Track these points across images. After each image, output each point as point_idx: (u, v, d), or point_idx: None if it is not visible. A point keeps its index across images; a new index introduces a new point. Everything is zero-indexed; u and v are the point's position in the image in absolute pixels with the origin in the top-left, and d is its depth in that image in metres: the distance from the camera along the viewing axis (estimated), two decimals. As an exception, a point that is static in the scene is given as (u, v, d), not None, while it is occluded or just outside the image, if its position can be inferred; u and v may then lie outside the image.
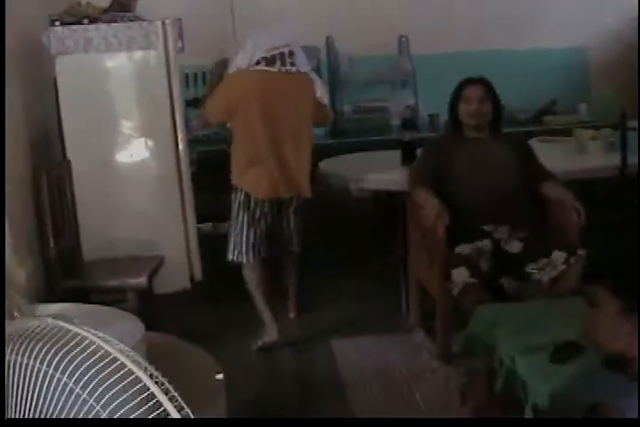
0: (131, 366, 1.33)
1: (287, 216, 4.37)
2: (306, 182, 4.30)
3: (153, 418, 1.34)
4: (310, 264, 4.84)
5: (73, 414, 1.36)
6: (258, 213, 4.22)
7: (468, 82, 4.12)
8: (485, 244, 3.86)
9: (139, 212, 4.37)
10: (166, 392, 1.35)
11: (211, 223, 5.49)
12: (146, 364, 1.39)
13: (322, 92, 4.53)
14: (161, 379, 1.38)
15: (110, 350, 1.37)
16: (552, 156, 4.71)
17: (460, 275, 3.68)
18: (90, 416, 1.35)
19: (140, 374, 1.33)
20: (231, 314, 4.66)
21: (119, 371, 1.36)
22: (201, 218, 4.92)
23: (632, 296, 1.73)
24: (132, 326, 2.53)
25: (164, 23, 4.32)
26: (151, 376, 1.37)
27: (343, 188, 4.79)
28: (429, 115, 6.09)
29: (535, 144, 4.78)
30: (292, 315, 4.67)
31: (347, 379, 3.82)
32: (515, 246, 3.89)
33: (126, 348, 1.41)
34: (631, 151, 4.65)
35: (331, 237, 5.43)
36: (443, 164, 4.06)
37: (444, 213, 3.77)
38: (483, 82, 4.11)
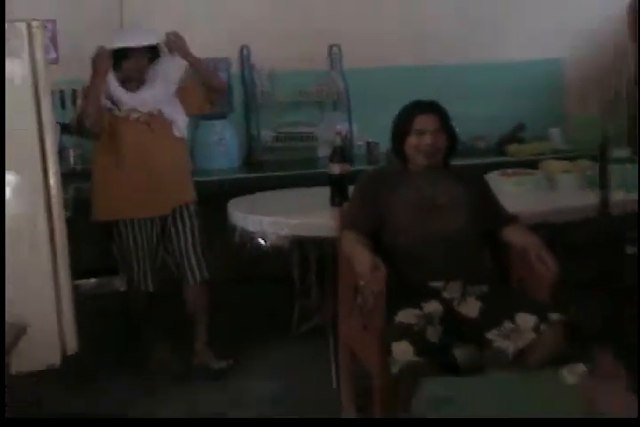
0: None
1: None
2: None
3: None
4: (222, 326, 4.97)
5: None
6: None
7: (419, 110, 4.07)
8: (435, 307, 3.81)
9: (-6, 267, 4.24)
10: None
11: (93, 279, 5.37)
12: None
13: None
14: None
15: None
16: (516, 193, 4.84)
17: (402, 351, 3.61)
18: None
19: None
20: (114, 397, 4.61)
21: None
22: (81, 273, 4.83)
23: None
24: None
25: (29, 25, 4.20)
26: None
27: (258, 233, 4.72)
28: (367, 143, 6.08)
29: (495, 179, 4.83)
30: None
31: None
32: (471, 308, 3.86)
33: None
34: (614, 187, 4.66)
35: (244, 294, 5.37)
36: (381, 205, 4.02)
37: (381, 265, 3.72)
38: (435, 109, 4.08)
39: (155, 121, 4.76)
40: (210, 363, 4.92)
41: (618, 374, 1.77)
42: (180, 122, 4.85)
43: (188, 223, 4.85)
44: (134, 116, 4.73)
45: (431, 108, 4.08)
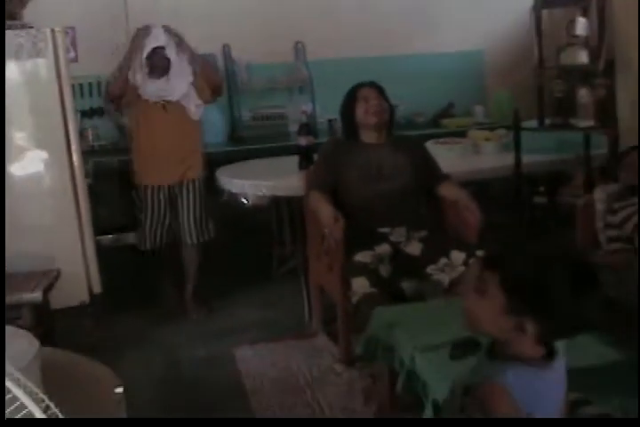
0: (7, 383, 1.29)
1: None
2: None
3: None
4: (210, 272, 4.89)
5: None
6: None
7: (360, 86, 4.15)
8: (385, 249, 3.87)
9: (33, 225, 4.25)
10: (46, 410, 1.32)
11: (111, 235, 5.39)
12: (26, 381, 1.35)
13: None
14: (41, 396, 1.34)
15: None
16: (448, 157, 4.79)
17: (360, 284, 3.67)
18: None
19: (17, 391, 1.29)
20: (132, 326, 4.64)
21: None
22: (101, 230, 4.86)
23: (516, 297, 1.70)
24: (26, 343, 2.45)
25: (53, 31, 4.21)
26: (31, 394, 1.33)
27: (242, 195, 4.77)
28: (328, 120, 6.11)
29: (432, 146, 4.84)
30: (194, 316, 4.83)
31: (251, 387, 3.80)
32: (415, 248, 3.92)
33: (6, 364, 1.37)
34: (524, 151, 4.76)
35: (231, 244, 5.40)
36: (338, 167, 4.07)
37: (340, 217, 3.77)
38: (374, 85, 4.15)
39: (171, 106, 4.64)
40: (190, 311, 4.85)
41: (497, 297, 1.73)
42: (193, 108, 4.70)
43: (191, 196, 4.73)
44: (153, 100, 4.62)
45: (369, 83, 4.15)
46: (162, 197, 4.75)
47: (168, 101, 4.65)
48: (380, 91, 4.13)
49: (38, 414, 1.30)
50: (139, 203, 4.78)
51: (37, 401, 1.34)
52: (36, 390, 1.36)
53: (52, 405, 1.36)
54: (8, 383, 1.32)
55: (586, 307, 1.68)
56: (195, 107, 4.73)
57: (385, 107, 4.11)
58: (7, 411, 1.33)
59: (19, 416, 1.30)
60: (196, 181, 4.77)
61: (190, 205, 4.76)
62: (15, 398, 1.32)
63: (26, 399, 1.32)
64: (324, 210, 3.85)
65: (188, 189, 4.75)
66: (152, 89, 4.62)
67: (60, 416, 1.34)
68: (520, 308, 1.69)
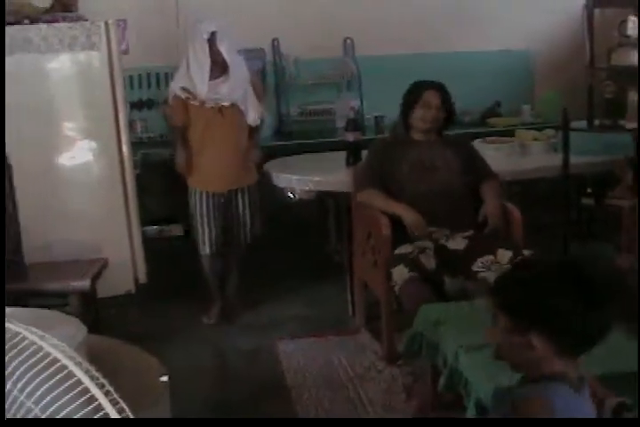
0: (71, 366, 1.32)
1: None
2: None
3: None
4: (256, 266, 4.90)
5: (10, 415, 1.35)
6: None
7: (427, 86, 4.12)
8: (425, 242, 3.87)
9: (82, 215, 4.33)
10: (107, 394, 1.34)
11: (156, 226, 5.44)
12: (87, 365, 1.38)
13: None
14: (102, 380, 1.36)
15: (50, 350, 1.36)
16: (495, 157, 4.74)
17: (399, 273, 3.68)
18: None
19: (81, 375, 1.32)
20: (176, 316, 4.66)
21: (59, 372, 1.34)
22: (147, 221, 4.90)
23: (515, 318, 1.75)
24: (75, 329, 2.50)
25: (106, 24, 4.28)
26: (92, 378, 1.36)
27: (288, 189, 4.79)
28: (375, 116, 6.12)
29: (479, 145, 4.82)
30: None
31: (292, 381, 3.83)
32: (459, 243, 3.90)
33: (68, 348, 1.40)
34: (573, 151, 4.73)
35: (277, 239, 5.42)
36: (388, 165, 4.07)
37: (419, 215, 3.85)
38: (440, 87, 4.14)
39: (228, 110, 4.40)
40: (231, 314, 4.71)
41: (501, 321, 1.79)
42: (252, 112, 4.50)
43: (247, 199, 4.56)
44: (210, 104, 4.36)
45: (436, 86, 4.13)
46: (217, 202, 4.55)
47: (224, 106, 4.41)
48: (445, 95, 4.13)
49: (94, 391, 1.32)
50: (192, 208, 4.57)
51: (92, 379, 1.37)
52: (90, 367, 1.38)
53: (106, 383, 1.37)
54: (64, 360, 1.35)
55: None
56: (253, 112, 4.53)
57: (440, 117, 4.12)
58: (62, 387, 1.35)
59: (75, 392, 1.32)
60: (251, 186, 4.65)
61: (246, 209, 4.63)
62: (71, 374, 1.34)
63: (82, 375, 1.34)
64: (402, 209, 3.90)
65: (243, 193, 4.60)
66: (209, 92, 4.35)
67: (115, 395, 1.36)
68: (520, 327, 1.75)
